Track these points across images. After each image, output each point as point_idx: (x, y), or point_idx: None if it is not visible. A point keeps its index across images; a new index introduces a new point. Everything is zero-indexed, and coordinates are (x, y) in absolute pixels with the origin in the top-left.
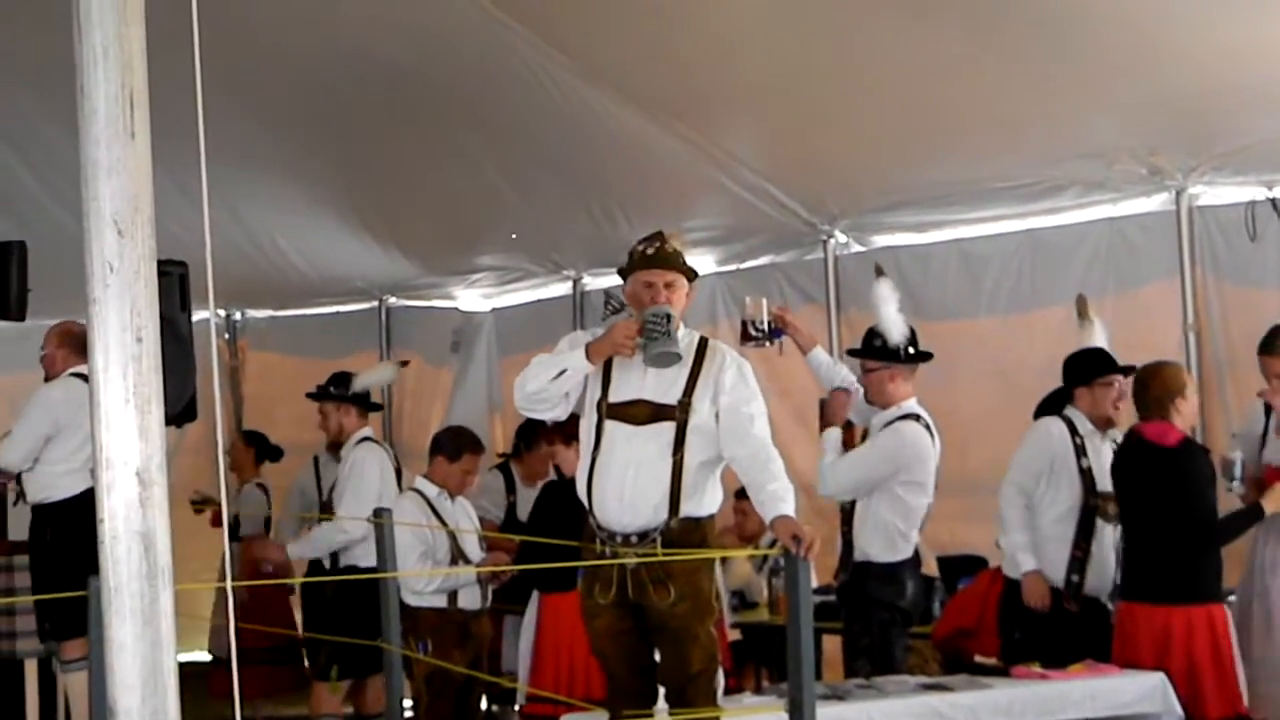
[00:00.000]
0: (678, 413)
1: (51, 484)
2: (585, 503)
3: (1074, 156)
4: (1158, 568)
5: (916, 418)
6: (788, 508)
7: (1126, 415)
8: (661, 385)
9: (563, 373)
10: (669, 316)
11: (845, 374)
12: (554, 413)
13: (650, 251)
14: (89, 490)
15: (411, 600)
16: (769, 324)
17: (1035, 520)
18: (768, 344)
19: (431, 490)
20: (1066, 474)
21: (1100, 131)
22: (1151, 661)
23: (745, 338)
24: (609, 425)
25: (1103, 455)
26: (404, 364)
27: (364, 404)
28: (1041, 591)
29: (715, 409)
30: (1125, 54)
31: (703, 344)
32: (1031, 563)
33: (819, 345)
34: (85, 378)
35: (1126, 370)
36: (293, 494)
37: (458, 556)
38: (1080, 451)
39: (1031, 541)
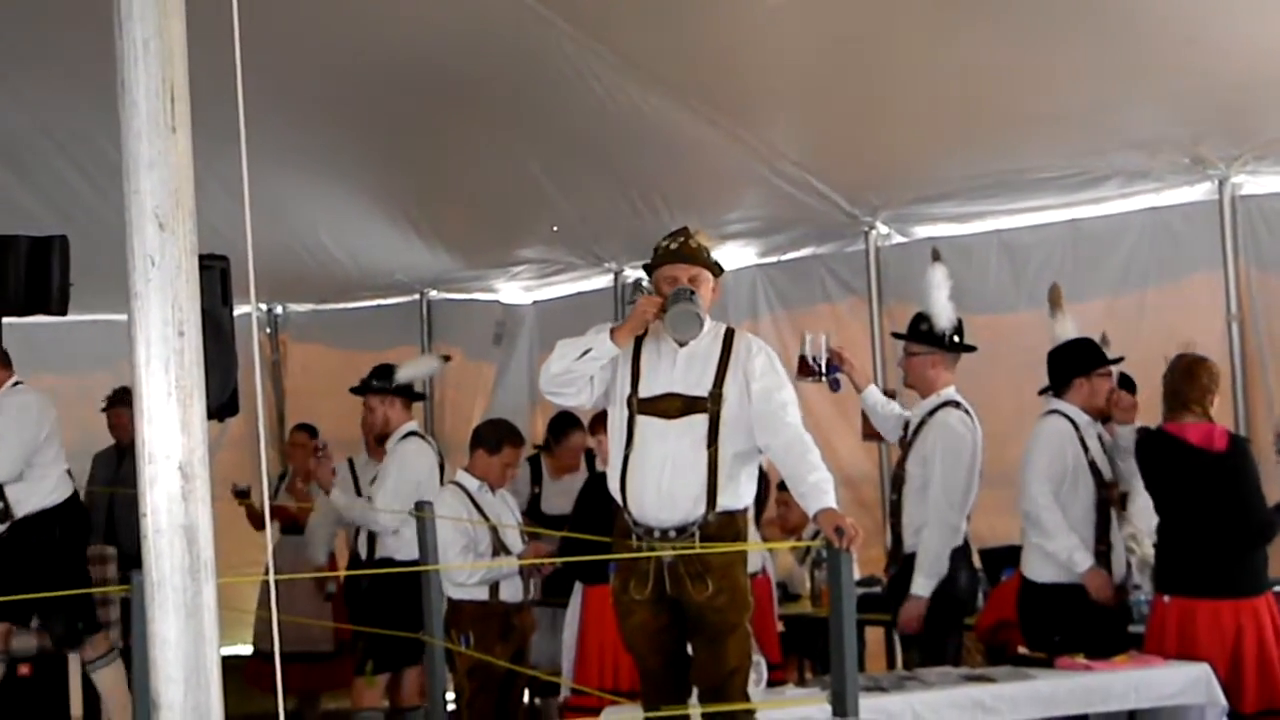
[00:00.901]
0: (710, 404)
1: (39, 492)
2: (619, 499)
3: (1116, 147)
4: (1210, 563)
5: (956, 405)
6: (830, 499)
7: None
8: (691, 377)
9: (587, 352)
10: (692, 292)
11: (897, 410)
12: (579, 398)
13: (674, 247)
14: (73, 496)
15: (454, 593)
16: (826, 361)
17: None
18: (824, 380)
19: (473, 483)
20: (1082, 472)
21: (1143, 122)
22: (1207, 654)
23: (803, 373)
24: (641, 421)
25: (1098, 445)
26: (446, 358)
27: (409, 395)
28: (1105, 583)
29: (747, 397)
30: (1168, 44)
31: (729, 334)
32: (1089, 560)
33: (872, 385)
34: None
35: (1116, 361)
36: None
37: (499, 549)
38: (1084, 446)
39: (1080, 540)
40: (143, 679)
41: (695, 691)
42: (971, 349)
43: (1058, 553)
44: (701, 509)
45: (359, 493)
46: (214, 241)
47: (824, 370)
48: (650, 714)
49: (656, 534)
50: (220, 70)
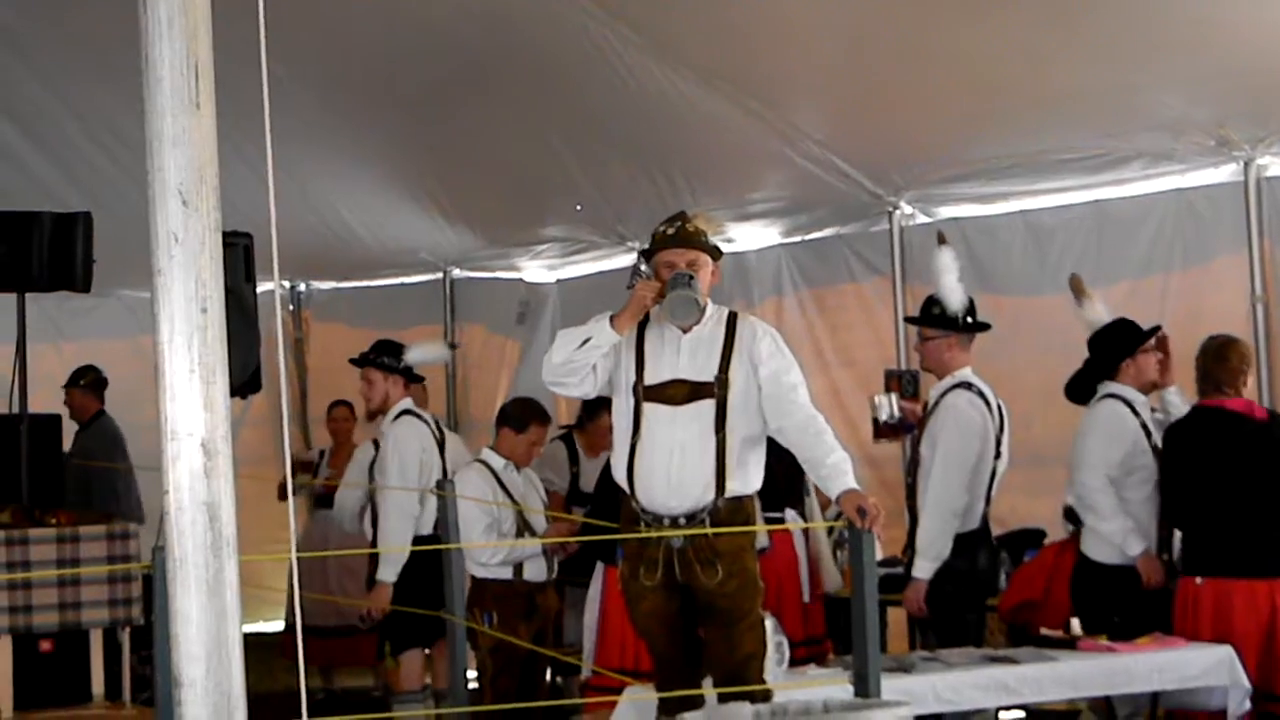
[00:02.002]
0: (716, 389)
1: None
2: (626, 487)
3: (1141, 128)
4: (1248, 542)
5: (968, 386)
6: (850, 480)
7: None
8: (696, 363)
9: (587, 341)
10: (691, 277)
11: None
12: (582, 388)
13: (671, 232)
14: None
15: (478, 571)
16: (900, 418)
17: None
18: (903, 435)
19: (498, 462)
20: (1142, 454)
21: (1168, 103)
22: (1242, 636)
23: (879, 434)
24: (647, 408)
25: (1154, 425)
26: (453, 346)
27: (410, 377)
28: (1157, 568)
29: (755, 381)
30: (1192, 25)
31: (732, 318)
32: (1142, 544)
33: None
34: None
35: (1154, 332)
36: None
37: (523, 529)
38: (1146, 430)
39: (1133, 523)
40: (164, 656)
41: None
42: (985, 327)
43: (1111, 535)
44: (711, 495)
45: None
46: (237, 219)
47: (898, 426)
48: (665, 695)
49: (666, 521)
50: (244, 47)
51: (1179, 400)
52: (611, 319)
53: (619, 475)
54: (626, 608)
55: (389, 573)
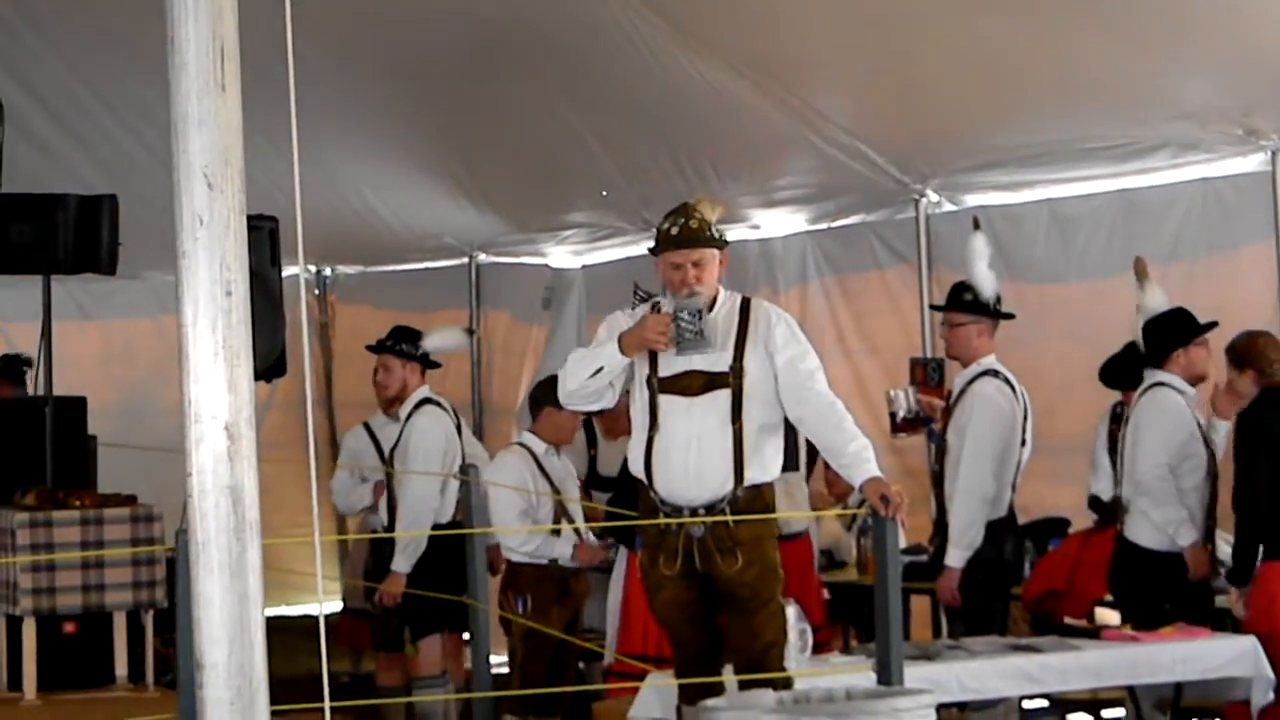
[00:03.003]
0: (732, 379)
1: None
2: (644, 479)
3: (1167, 118)
4: None
5: (995, 374)
6: (873, 467)
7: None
8: (710, 353)
9: (599, 370)
10: (699, 312)
11: None
12: (601, 403)
13: (674, 231)
14: None
15: (511, 556)
16: (916, 411)
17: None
18: (921, 429)
19: (539, 446)
20: (1195, 444)
21: (1194, 93)
22: None
23: (896, 430)
24: (663, 400)
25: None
26: (471, 332)
27: (427, 363)
28: (1205, 560)
29: (770, 369)
30: (1220, 14)
31: (745, 305)
32: (1194, 535)
33: None
34: None
35: (1210, 328)
36: (342, 461)
37: (561, 516)
38: (1196, 420)
39: (1187, 514)
40: (187, 638)
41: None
42: (1011, 316)
43: (1165, 524)
44: (730, 485)
45: (382, 458)
46: (262, 202)
47: (915, 421)
48: (686, 682)
49: (686, 512)
50: (270, 30)
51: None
52: (620, 341)
53: (636, 468)
54: (646, 596)
55: (403, 563)
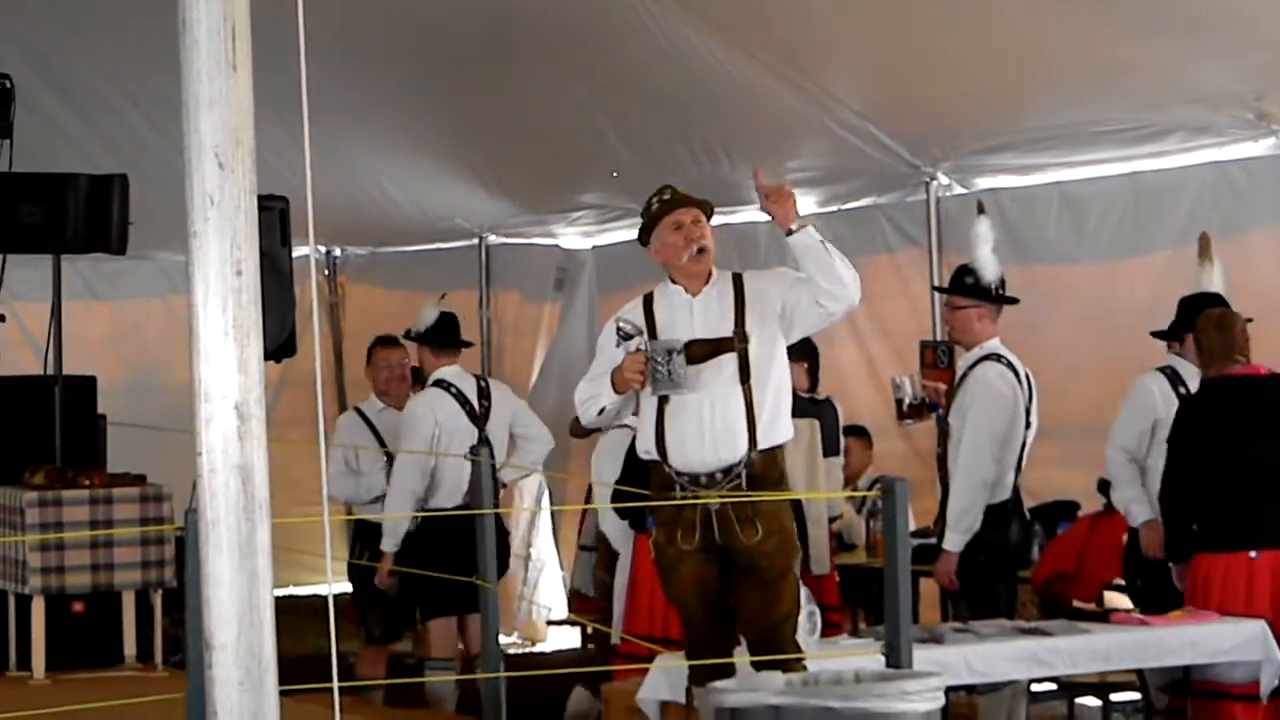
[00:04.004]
0: (736, 343)
1: None
2: (655, 453)
3: (1178, 101)
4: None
5: (997, 358)
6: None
7: None
8: (710, 321)
9: (603, 410)
10: (671, 353)
11: None
12: (622, 417)
13: (667, 196)
14: None
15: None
16: (922, 398)
17: (1147, 479)
18: (928, 415)
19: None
20: (1164, 430)
21: (1205, 76)
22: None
23: (903, 416)
24: None
25: None
26: (442, 297)
27: (424, 340)
28: (1158, 540)
29: (773, 330)
30: None
31: (737, 279)
32: (1146, 514)
33: None
34: None
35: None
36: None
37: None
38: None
39: (1143, 494)
40: (195, 618)
41: (744, 642)
42: (1015, 300)
43: (1120, 502)
44: (744, 446)
45: (381, 442)
46: (273, 183)
47: (921, 407)
48: (696, 664)
49: (703, 479)
50: (282, 10)
51: None
52: (613, 383)
53: (647, 445)
54: (660, 576)
55: (388, 543)
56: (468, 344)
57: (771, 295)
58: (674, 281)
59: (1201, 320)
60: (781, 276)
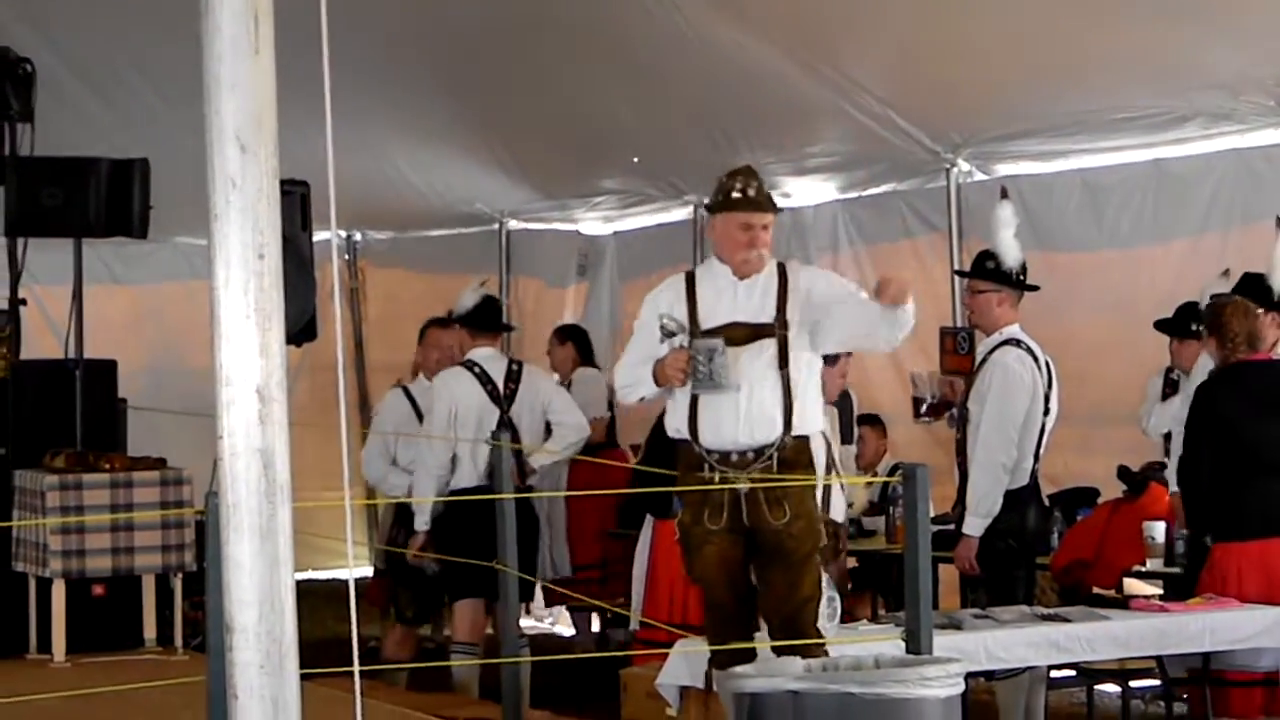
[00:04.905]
0: (776, 329)
1: None
2: (687, 434)
3: (1199, 87)
4: None
5: (1017, 343)
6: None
7: None
8: (751, 306)
9: (643, 399)
10: (713, 352)
11: None
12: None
13: (750, 193)
14: None
15: None
16: (939, 396)
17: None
18: (944, 414)
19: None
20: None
21: (1226, 63)
22: None
23: (920, 415)
24: None
25: None
26: (483, 283)
27: (464, 323)
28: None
29: (810, 320)
30: None
31: (782, 268)
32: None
33: None
34: None
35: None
36: (375, 437)
37: None
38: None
39: None
40: (216, 602)
41: (765, 626)
42: (1035, 288)
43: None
44: (779, 430)
45: (421, 422)
46: (295, 167)
47: (937, 405)
48: (718, 649)
49: (734, 457)
50: None
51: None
52: (655, 373)
53: (678, 422)
54: (684, 557)
55: (419, 521)
56: (509, 328)
57: (818, 292)
58: (721, 260)
59: (1228, 309)
60: (842, 286)
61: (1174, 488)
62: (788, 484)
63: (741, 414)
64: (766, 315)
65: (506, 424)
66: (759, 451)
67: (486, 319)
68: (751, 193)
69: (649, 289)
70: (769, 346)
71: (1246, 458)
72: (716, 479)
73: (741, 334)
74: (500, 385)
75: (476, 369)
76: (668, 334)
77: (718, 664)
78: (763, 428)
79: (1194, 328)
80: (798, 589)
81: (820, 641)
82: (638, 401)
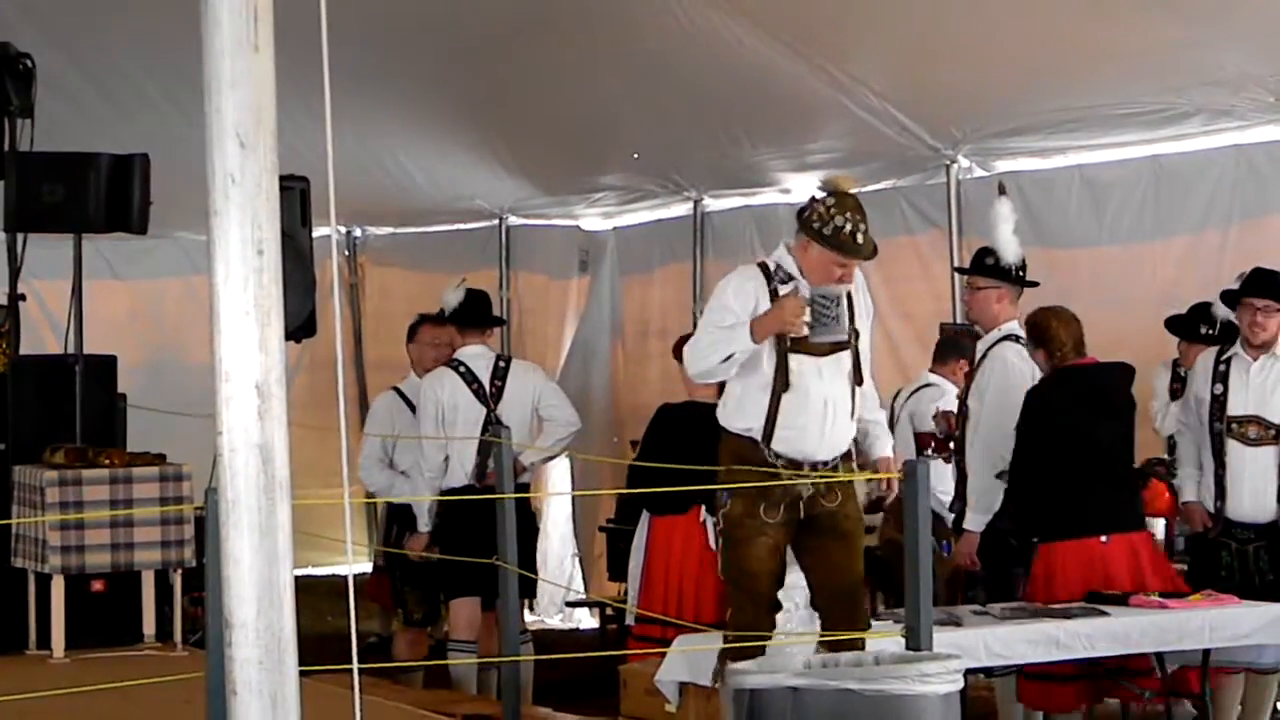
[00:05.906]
0: (851, 340)
1: None
2: (760, 436)
3: (1199, 83)
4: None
5: (1016, 339)
6: (888, 446)
7: None
8: (839, 338)
9: (730, 356)
10: (838, 299)
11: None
12: (723, 378)
13: (859, 239)
14: None
15: None
16: (946, 432)
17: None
18: (946, 448)
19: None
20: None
21: (1227, 59)
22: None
23: (921, 449)
24: (794, 360)
25: (1251, 376)
26: (462, 280)
27: (454, 320)
28: (1200, 517)
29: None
30: None
31: None
32: (1190, 494)
33: None
34: None
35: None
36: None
37: None
38: (1221, 377)
39: (1195, 474)
40: (215, 597)
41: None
42: (1035, 284)
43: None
44: (849, 445)
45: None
46: (294, 163)
47: (948, 440)
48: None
49: (805, 466)
50: None
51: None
52: (752, 329)
53: (753, 422)
54: (730, 548)
55: (420, 523)
56: (498, 321)
57: (863, 310)
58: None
59: (1046, 316)
60: (869, 312)
61: (1178, 484)
62: (842, 479)
63: (826, 431)
64: (840, 330)
65: (495, 422)
66: (826, 461)
67: (472, 315)
68: (860, 239)
69: (649, 285)
70: (845, 360)
71: (1076, 459)
72: (783, 477)
73: (824, 346)
74: (486, 384)
75: (462, 368)
76: (781, 280)
77: (748, 655)
78: (840, 444)
79: (1203, 330)
80: (855, 563)
81: (861, 635)
82: (720, 363)
